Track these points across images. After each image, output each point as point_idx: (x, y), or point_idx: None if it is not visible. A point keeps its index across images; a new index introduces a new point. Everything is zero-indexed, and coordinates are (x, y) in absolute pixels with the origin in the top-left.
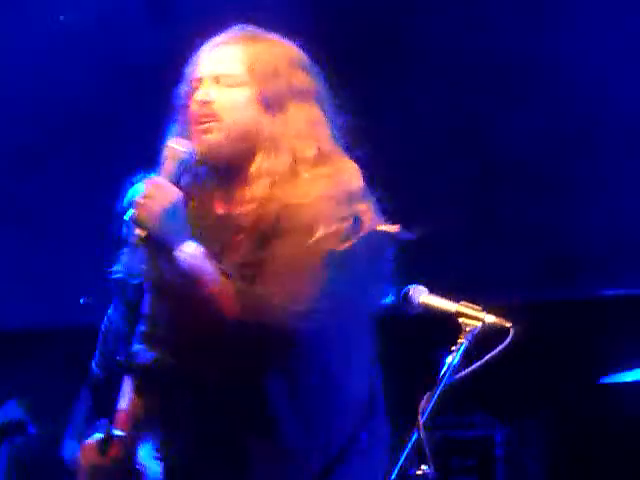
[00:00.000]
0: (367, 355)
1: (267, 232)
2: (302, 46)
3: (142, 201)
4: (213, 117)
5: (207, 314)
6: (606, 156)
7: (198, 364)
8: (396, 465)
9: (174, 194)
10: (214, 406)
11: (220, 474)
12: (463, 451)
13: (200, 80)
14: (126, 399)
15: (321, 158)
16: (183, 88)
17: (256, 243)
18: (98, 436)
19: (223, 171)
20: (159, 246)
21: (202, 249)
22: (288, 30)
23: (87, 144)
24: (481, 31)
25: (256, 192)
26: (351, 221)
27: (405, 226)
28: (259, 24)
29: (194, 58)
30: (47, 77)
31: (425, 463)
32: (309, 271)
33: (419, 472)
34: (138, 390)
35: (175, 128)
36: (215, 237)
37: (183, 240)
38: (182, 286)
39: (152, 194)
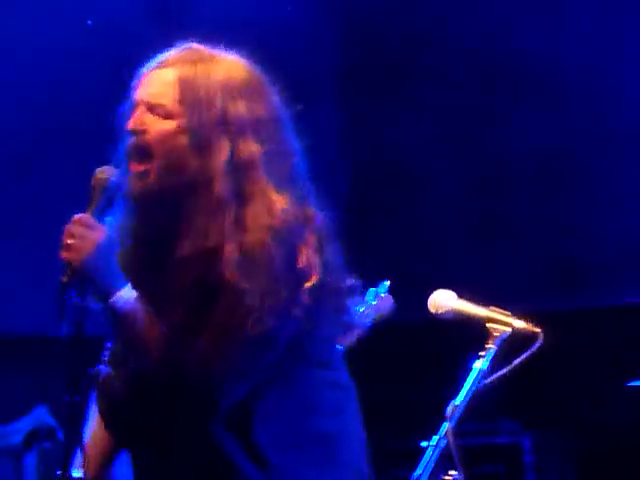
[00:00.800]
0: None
1: (207, 287)
2: (261, 66)
3: (67, 242)
4: (147, 153)
5: (136, 357)
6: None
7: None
8: (426, 470)
9: (100, 233)
10: (165, 448)
11: None
12: (491, 458)
13: (136, 105)
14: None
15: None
16: (125, 109)
17: (195, 297)
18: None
19: (151, 224)
20: (93, 290)
21: (135, 294)
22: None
23: (91, 148)
24: (490, 31)
25: (192, 244)
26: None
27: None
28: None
29: (137, 76)
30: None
31: (454, 469)
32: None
33: (448, 478)
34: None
35: (116, 152)
36: (142, 277)
37: (118, 285)
38: (116, 330)
39: (77, 233)
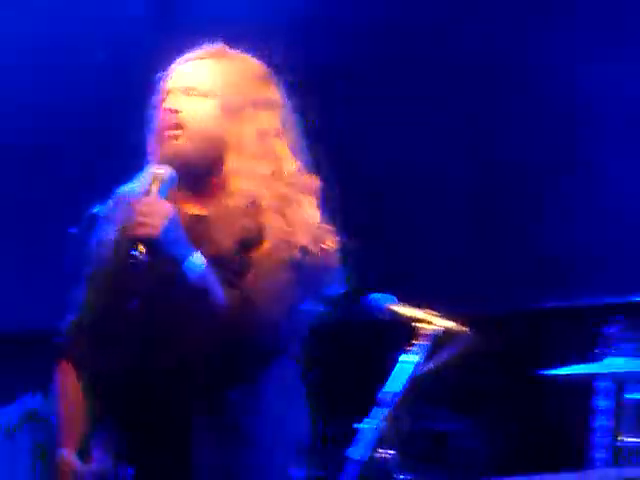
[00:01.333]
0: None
1: (249, 234)
2: (268, 64)
3: (141, 219)
4: (180, 125)
5: (201, 321)
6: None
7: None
8: (368, 449)
9: (170, 209)
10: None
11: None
12: (426, 441)
13: (170, 91)
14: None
15: (286, 164)
16: (156, 98)
17: (237, 243)
18: None
19: (192, 175)
20: (166, 260)
21: (204, 260)
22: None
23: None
24: (480, 33)
25: (234, 187)
26: (318, 248)
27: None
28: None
29: (167, 71)
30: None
31: (390, 448)
32: (285, 281)
33: (385, 455)
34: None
35: (148, 136)
36: (191, 237)
37: (189, 252)
38: (190, 297)
39: (148, 212)
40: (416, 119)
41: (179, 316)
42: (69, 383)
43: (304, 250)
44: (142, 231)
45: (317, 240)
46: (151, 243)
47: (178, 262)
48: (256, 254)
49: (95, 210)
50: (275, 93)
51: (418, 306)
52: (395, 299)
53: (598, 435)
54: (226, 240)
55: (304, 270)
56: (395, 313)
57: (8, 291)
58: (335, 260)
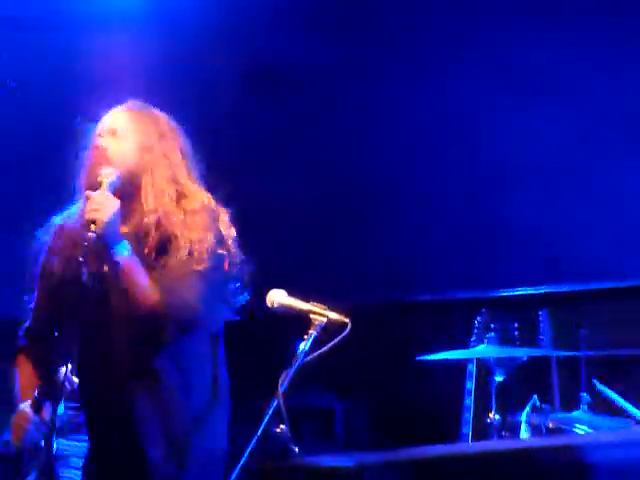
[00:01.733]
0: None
1: (162, 246)
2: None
3: (96, 206)
4: (107, 160)
5: (132, 299)
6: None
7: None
8: (261, 424)
9: (116, 201)
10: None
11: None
12: (311, 418)
13: (99, 134)
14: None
15: (187, 186)
16: (89, 139)
17: (153, 252)
18: None
19: (119, 197)
20: (105, 243)
21: (129, 248)
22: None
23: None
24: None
25: (150, 205)
26: (221, 256)
27: None
28: None
29: (99, 119)
30: None
31: (283, 423)
32: (192, 282)
33: (278, 430)
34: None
35: (81, 167)
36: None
37: (118, 240)
38: (118, 275)
39: (100, 201)
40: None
41: (115, 294)
42: (25, 368)
43: (206, 251)
44: (95, 215)
45: (216, 242)
46: (101, 224)
47: (114, 244)
48: (167, 257)
49: (37, 234)
50: (174, 132)
51: (306, 300)
52: (286, 293)
53: (466, 413)
54: (142, 250)
55: (208, 269)
56: (287, 306)
57: None
58: (235, 263)
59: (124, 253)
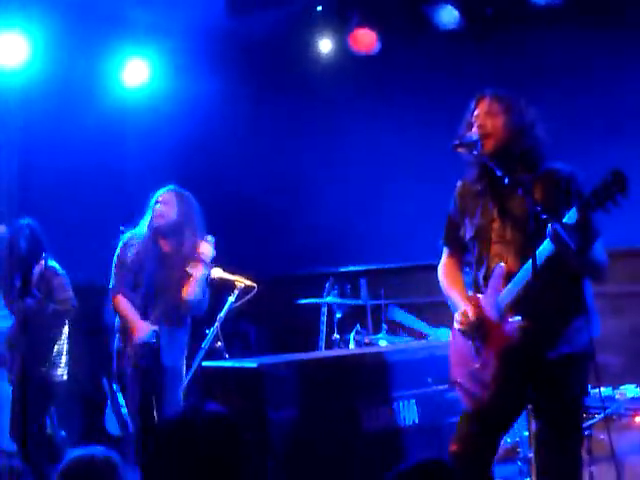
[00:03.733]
0: None
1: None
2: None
3: (160, 211)
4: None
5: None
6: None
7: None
8: (206, 343)
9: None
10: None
11: None
12: (236, 338)
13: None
14: None
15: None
16: (153, 203)
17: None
18: None
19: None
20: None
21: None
22: None
23: None
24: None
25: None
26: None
27: None
28: None
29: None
30: None
31: (220, 342)
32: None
33: (217, 345)
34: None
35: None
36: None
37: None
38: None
39: (164, 210)
40: None
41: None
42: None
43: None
44: (160, 220)
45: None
46: (161, 224)
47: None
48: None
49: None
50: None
51: (232, 272)
52: (220, 269)
53: (321, 334)
54: (178, 262)
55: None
56: (222, 278)
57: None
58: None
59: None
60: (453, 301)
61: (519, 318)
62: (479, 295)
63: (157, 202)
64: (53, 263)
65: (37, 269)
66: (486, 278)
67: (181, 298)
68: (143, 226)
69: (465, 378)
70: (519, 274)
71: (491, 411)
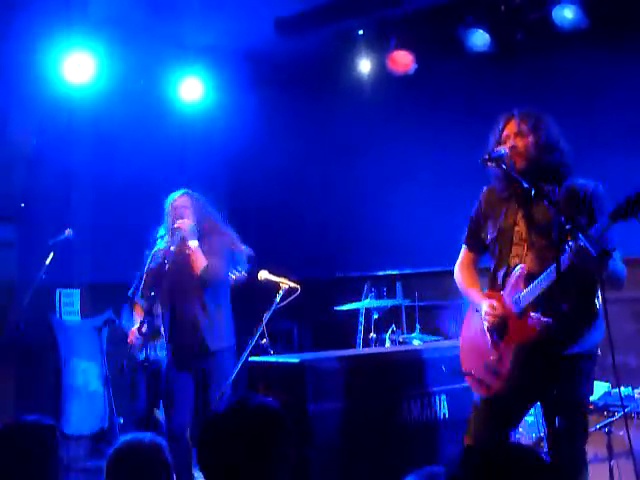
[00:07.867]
0: None
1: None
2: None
3: (181, 223)
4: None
5: (195, 265)
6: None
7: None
8: (253, 339)
9: (192, 222)
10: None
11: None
12: (280, 335)
13: (173, 207)
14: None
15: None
16: (169, 208)
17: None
18: None
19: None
20: (184, 240)
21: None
22: None
23: None
24: None
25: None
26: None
27: None
28: None
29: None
30: None
31: (264, 338)
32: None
33: (262, 342)
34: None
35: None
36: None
37: (194, 239)
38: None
39: (184, 222)
40: None
41: (187, 267)
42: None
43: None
44: (181, 226)
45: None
46: (182, 231)
47: (189, 241)
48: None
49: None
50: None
51: (277, 274)
52: (267, 271)
53: (359, 334)
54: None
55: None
56: (269, 279)
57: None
58: (240, 249)
59: (194, 244)
60: (472, 297)
61: (540, 314)
62: (501, 292)
63: (173, 207)
64: None
65: None
66: (505, 277)
67: (195, 276)
68: (164, 231)
69: (479, 369)
70: (542, 275)
71: (502, 403)
